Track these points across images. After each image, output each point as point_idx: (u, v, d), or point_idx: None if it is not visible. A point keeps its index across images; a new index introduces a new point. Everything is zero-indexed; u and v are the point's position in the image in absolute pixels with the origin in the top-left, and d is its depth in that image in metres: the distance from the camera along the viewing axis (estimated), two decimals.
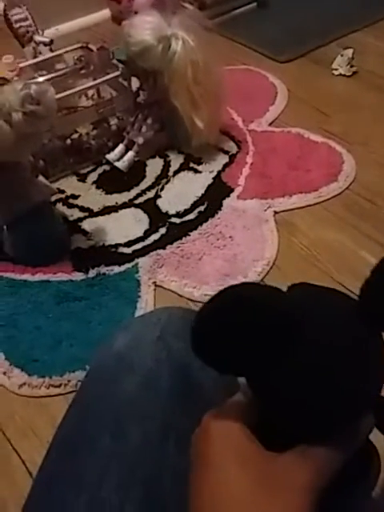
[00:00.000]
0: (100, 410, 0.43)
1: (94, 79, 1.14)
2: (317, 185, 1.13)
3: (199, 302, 0.92)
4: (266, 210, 1.08)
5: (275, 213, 1.08)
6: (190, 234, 1.03)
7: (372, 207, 1.10)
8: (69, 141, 1.13)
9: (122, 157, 1.17)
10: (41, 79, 1.04)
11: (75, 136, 1.14)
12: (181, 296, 0.93)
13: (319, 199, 1.11)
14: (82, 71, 1.14)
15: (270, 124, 1.32)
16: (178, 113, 1.10)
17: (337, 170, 1.16)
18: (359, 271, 0.97)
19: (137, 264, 0.97)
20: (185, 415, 0.42)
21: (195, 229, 1.04)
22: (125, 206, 1.09)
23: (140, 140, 1.16)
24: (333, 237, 1.05)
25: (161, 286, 0.94)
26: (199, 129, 1.11)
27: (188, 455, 0.42)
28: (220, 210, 1.08)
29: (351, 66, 1.49)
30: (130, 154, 1.17)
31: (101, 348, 0.49)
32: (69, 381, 0.78)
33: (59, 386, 0.79)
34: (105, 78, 1.10)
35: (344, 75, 1.49)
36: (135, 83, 1.15)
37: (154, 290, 0.93)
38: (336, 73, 1.50)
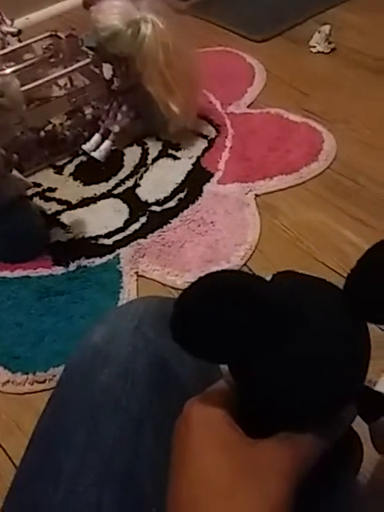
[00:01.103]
0: (76, 403, 0.42)
1: (65, 68, 1.11)
2: (297, 166, 1.11)
3: (182, 289, 0.91)
4: (247, 194, 1.07)
5: (256, 196, 1.07)
6: (171, 221, 1.02)
7: (353, 186, 1.09)
8: (42, 132, 1.11)
9: (98, 146, 1.15)
10: (8, 70, 1.02)
11: (49, 127, 1.12)
12: (164, 285, 0.92)
13: (300, 180, 1.10)
14: (52, 60, 1.11)
15: (249, 106, 1.30)
16: (153, 98, 1.08)
17: (317, 150, 1.15)
18: (342, 251, 0.97)
19: (118, 255, 0.95)
20: (162, 406, 0.42)
21: (176, 216, 1.03)
22: (103, 196, 1.08)
23: (116, 128, 1.14)
24: (315, 217, 1.05)
25: (143, 276, 0.93)
26: (175, 114, 1.09)
27: (165, 446, 0.41)
28: (200, 195, 1.07)
29: (329, 43, 1.46)
30: (107, 143, 1.14)
31: (79, 342, 0.48)
32: (53, 376, 0.78)
33: (43, 381, 0.78)
34: (75, 66, 1.07)
35: (322, 52, 1.47)
36: (109, 71, 1.13)
37: (137, 280, 0.92)
38: (314, 50, 1.47)
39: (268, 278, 0.29)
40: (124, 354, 0.43)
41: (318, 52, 1.47)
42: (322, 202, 1.07)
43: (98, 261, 0.94)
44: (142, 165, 1.14)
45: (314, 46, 1.48)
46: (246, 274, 0.28)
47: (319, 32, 1.46)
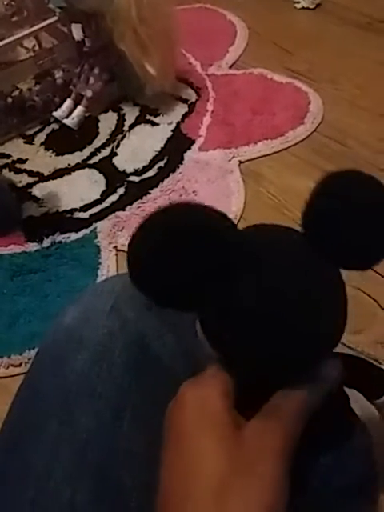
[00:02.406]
0: (48, 391, 0.39)
1: (31, 28, 1.02)
2: (283, 129, 1.06)
3: None
4: (230, 161, 1.01)
5: (240, 162, 1.01)
6: (151, 192, 0.96)
7: (341, 148, 1.04)
8: (9, 99, 1.03)
9: (70, 113, 1.07)
10: None
11: (16, 93, 1.04)
12: None
13: (286, 145, 1.04)
14: (15, 18, 1.02)
15: (231, 66, 1.23)
16: (127, 59, 1.00)
17: (303, 112, 1.09)
18: None
19: (95, 229, 0.90)
20: (141, 391, 0.39)
21: (156, 186, 0.97)
22: (78, 167, 1.01)
23: (89, 93, 1.06)
24: (302, 183, 1.00)
25: (122, 251, 0.88)
26: (152, 75, 1.01)
27: (145, 434, 0.38)
28: (181, 163, 1.01)
29: None
30: (80, 109, 1.07)
31: (51, 324, 0.44)
32: (29, 359, 0.74)
33: (19, 365, 0.74)
34: (41, 25, 0.99)
35: (307, 8, 1.39)
36: (78, 30, 1.04)
37: (116, 255, 0.87)
38: (298, 6, 1.39)
39: None
40: (99, 337, 0.40)
41: (303, 8, 1.39)
42: (309, 166, 1.02)
43: (73, 236, 0.89)
44: (119, 132, 1.07)
45: (298, 2, 1.39)
46: (212, 211, 0.26)
47: None
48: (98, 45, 1.02)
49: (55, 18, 1.00)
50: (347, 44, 1.27)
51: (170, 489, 0.26)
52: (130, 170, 1.00)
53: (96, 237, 0.88)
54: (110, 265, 0.85)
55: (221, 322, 0.25)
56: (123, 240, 0.89)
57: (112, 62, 1.05)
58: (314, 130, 1.07)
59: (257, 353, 0.25)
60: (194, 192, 0.96)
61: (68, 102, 1.08)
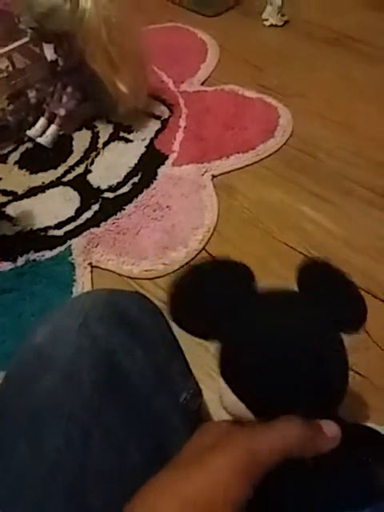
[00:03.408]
0: (16, 412, 0.39)
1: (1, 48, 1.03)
2: (254, 143, 1.08)
3: (139, 278, 0.87)
4: (203, 175, 1.03)
5: (213, 176, 1.03)
6: (125, 208, 0.97)
7: (311, 160, 1.07)
8: None
9: (44, 132, 1.08)
10: None
11: None
12: (120, 275, 0.88)
13: (257, 158, 1.07)
14: None
15: (203, 83, 1.25)
16: (100, 78, 1.02)
17: (273, 126, 1.11)
18: (303, 228, 0.95)
19: (70, 246, 0.90)
20: (110, 408, 0.39)
21: (130, 202, 0.98)
22: (52, 185, 1.01)
23: (62, 111, 1.07)
24: (274, 196, 1.02)
25: (98, 267, 0.89)
26: (124, 93, 1.03)
27: (114, 452, 0.38)
28: (155, 179, 1.02)
29: (282, 16, 1.42)
30: (53, 127, 1.08)
31: (21, 344, 0.44)
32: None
33: None
34: (12, 46, 1.00)
35: (275, 25, 1.43)
36: (50, 50, 1.06)
37: (91, 271, 0.87)
38: (267, 23, 1.43)
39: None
40: (68, 355, 0.40)
41: (272, 25, 1.43)
42: (281, 179, 1.04)
43: (48, 254, 0.89)
44: (93, 149, 1.08)
45: (267, 19, 1.44)
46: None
47: (271, 4, 1.42)
48: (71, 64, 1.04)
49: (27, 39, 1.01)
50: (315, 59, 1.31)
51: None
52: (104, 186, 1.01)
53: (71, 254, 0.89)
54: (85, 282, 0.85)
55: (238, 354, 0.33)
56: (98, 256, 0.89)
57: (85, 81, 1.06)
58: (284, 143, 1.10)
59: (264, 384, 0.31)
60: (167, 207, 0.97)
61: (41, 121, 1.09)
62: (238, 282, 0.35)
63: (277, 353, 0.30)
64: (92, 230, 0.93)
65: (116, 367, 0.41)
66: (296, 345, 0.31)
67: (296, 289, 0.35)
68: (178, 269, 0.89)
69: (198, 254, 0.91)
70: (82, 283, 0.85)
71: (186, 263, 0.90)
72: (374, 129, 1.11)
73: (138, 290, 0.85)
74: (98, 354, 0.40)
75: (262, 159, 1.07)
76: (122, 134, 1.11)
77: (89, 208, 0.97)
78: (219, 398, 0.34)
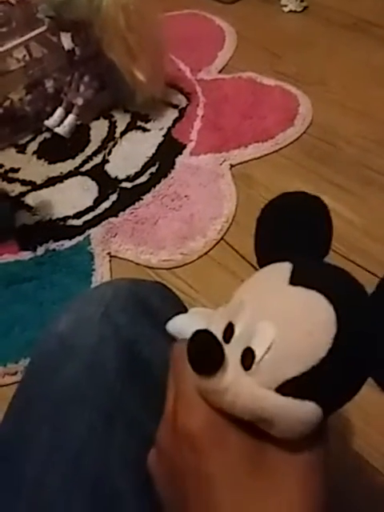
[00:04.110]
0: (40, 400, 0.39)
1: (20, 38, 1.03)
2: (273, 132, 1.07)
3: (157, 268, 0.87)
4: (221, 164, 1.02)
5: (231, 166, 1.02)
6: (143, 197, 0.97)
7: (331, 149, 1.05)
8: (0, 109, 1.03)
9: (62, 122, 1.08)
10: None
11: (7, 103, 1.04)
12: (138, 264, 0.88)
13: (276, 147, 1.05)
14: (4, 29, 1.03)
15: (220, 71, 1.24)
16: (117, 67, 1.01)
17: (292, 114, 1.10)
18: None
19: (88, 236, 0.91)
20: (133, 396, 0.39)
21: (148, 192, 0.98)
22: (70, 174, 1.02)
23: (79, 101, 1.07)
24: (293, 185, 1.00)
25: (116, 256, 0.89)
26: (141, 82, 1.02)
27: (137, 439, 0.38)
28: (173, 168, 1.01)
29: (301, 1, 1.40)
30: (71, 117, 1.08)
31: (43, 332, 0.44)
32: (25, 367, 0.74)
33: (15, 373, 0.74)
34: (30, 35, 1.00)
35: (295, 11, 1.40)
36: (68, 39, 1.05)
37: (109, 261, 0.88)
38: (286, 9, 1.41)
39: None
40: (90, 344, 0.40)
41: (290, 11, 1.40)
42: (300, 168, 1.03)
43: (67, 243, 0.89)
44: (110, 139, 1.08)
45: (286, 5, 1.41)
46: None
47: None
48: (88, 53, 1.03)
49: (44, 28, 1.01)
50: (334, 45, 1.28)
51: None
52: (122, 176, 1.01)
53: (89, 244, 0.89)
54: (104, 271, 0.86)
55: None
56: (116, 246, 0.90)
57: (102, 70, 1.06)
58: (304, 132, 1.08)
59: None
60: (185, 196, 0.97)
61: (59, 111, 1.09)
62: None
63: None
64: (110, 219, 0.93)
65: (138, 356, 0.41)
66: None
67: None
68: (196, 259, 0.89)
69: (216, 243, 0.91)
70: (101, 273, 0.85)
71: (205, 253, 0.90)
72: None
73: (157, 280, 0.85)
74: (121, 342, 0.40)
75: (281, 148, 1.05)
76: (139, 123, 1.11)
77: (107, 198, 0.97)
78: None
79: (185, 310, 0.48)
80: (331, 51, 1.27)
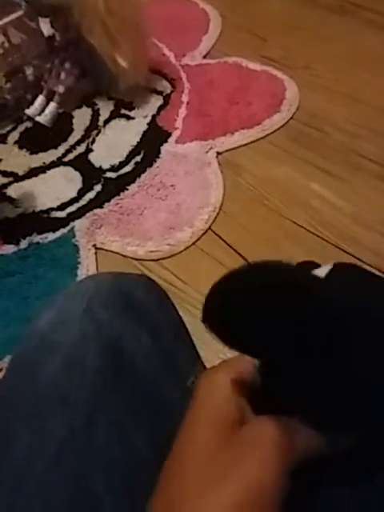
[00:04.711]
0: (19, 399, 0.38)
1: None
2: (259, 118, 1.05)
3: (144, 260, 0.86)
4: (207, 152, 1.00)
5: (218, 154, 1.00)
6: (129, 187, 0.95)
7: (319, 135, 1.04)
8: None
9: (43, 110, 1.05)
10: None
11: None
12: (124, 256, 0.87)
13: (263, 133, 1.03)
14: None
15: (205, 56, 1.21)
16: (99, 53, 0.98)
17: (279, 100, 1.08)
18: (311, 206, 0.93)
19: (73, 228, 0.89)
20: (116, 396, 0.38)
21: (133, 181, 0.96)
22: (53, 165, 0.99)
23: (60, 88, 1.04)
24: (280, 172, 0.99)
25: (102, 249, 0.87)
26: (124, 68, 0.99)
27: (120, 441, 0.37)
28: (158, 157, 0.99)
29: None
30: (52, 105, 1.05)
31: (26, 329, 0.43)
32: None
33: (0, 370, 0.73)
34: (7, 20, 0.96)
35: None
36: (46, 24, 1.02)
37: (95, 253, 0.86)
38: None
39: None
40: (72, 341, 0.39)
41: None
42: (287, 155, 1.01)
43: (51, 236, 0.87)
44: (94, 128, 1.05)
45: None
46: (296, 269, 0.25)
47: None
48: (68, 39, 1.00)
49: (21, 13, 0.97)
50: (320, 28, 1.26)
51: (164, 470, 0.27)
52: (106, 166, 0.98)
53: (74, 236, 0.87)
54: (90, 264, 0.84)
55: (299, 373, 0.24)
56: (102, 238, 0.88)
57: (83, 56, 1.03)
58: (291, 118, 1.06)
59: (320, 407, 0.24)
60: (171, 186, 0.95)
61: (40, 99, 1.06)
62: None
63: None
64: (95, 211, 0.91)
65: (121, 353, 0.40)
66: None
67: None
68: (183, 249, 0.88)
69: (203, 233, 0.90)
70: (87, 265, 0.84)
71: (192, 243, 0.88)
72: (382, 99, 1.07)
73: (143, 272, 0.84)
74: (103, 339, 0.40)
75: (267, 135, 1.04)
76: (123, 111, 1.08)
77: (91, 188, 0.95)
78: None
79: (171, 304, 0.47)
80: (318, 35, 1.25)
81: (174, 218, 0.91)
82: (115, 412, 0.37)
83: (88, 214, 0.91)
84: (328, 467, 0.26)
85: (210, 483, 0.24)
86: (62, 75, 1.04)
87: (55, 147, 1.02)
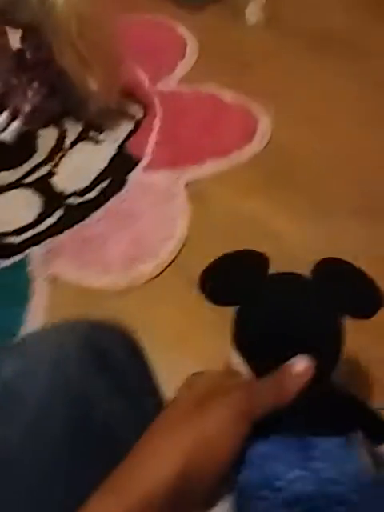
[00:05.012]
0: None
1: None
2: (230, 149, 1.03)
3: (103, 292, 0.82)
4: (175, 182, 0.98)
5: (186, 184, 0.98)
6: (92, 215, 0.91)
7: (288, 169, 1.02)
8: None
9: (6, 127, 1.01)
10: None
11: None
12: (82, 288, 0.82)
13: (233, 165, 1.02)
14: None
15: (179, 82, 1.20)
16: (69, 74, 0.95)
17: (251, 131, 1.07)
18: (276, 241, 0.91)
19: (27, 255, 0.84)
20: (81, 458, 0.36)
21: (97, 209, 0.92)
22: (12, 186, 0.95)
23: (27, 107, 1.00)
24: (248, 205, 0.97)
25: (58, 278, 0.83)
26: (94, 91, 0.96)
27: (78, 500, 0.35)
28: (125, 184, 0.96)
29: (265, 13, 1.37)
30: (16, 123, 1.01)
31: None
32: None
33: None
34: None
35: (258, 23, 1.37)
36: (16, 40, 0.98)
37: (51, 283, 0.82)
38: (249, 21, 1.38)
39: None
40: (40, 394, 0.37)
41: (254, 23, 1.38)
42: (256, 187, 1.00)
43: (2, 263, 0.83)
44: (59, 149, 1.01)
45: (250, 16, 1.38)
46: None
47: (254, 0, 1.37)
48: (38, 57, 0.97)
49: None
50: (297, 60, 1.26)
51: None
52: (69, 190, 0.95)
53: (28, 264, 0.83)
54: (43, 296, 0.79)
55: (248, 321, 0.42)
56: (59, 268, 0.83)
57: (53, 76, 0.99)
58: (262, 150, 1.05)
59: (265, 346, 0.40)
60: (137, 215, 0.92)
61: (4, 116, 1.01)
62: (256, 267, 0.46)
63: (278, 323, 0.40)
64: (54, 238, 0.87)
65: (89, 415, 0.38)
66: (295, 321, 0.40)
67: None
68: (144, 282, 0.84)
69: (167, 266, 0.87)
70: (40, 298, 0.79)
71: (156, 276, 0.85)
72: (354, 137, 1.07)
73: (100, 305, 0.80)
74: (72, 395, 0.37)
75: (237, 166, 1.02)
76: (91, 134, 1.05)
77: (51, 214, 0.90)
78: None
79: (143, 358, 0.45)
80: (293, 66, 1.25)
81: (137, 248, 0.87)
82: (80, 477, 0.35)
83: (46, 241, 0.86)
84: (278, 421, 0.32)
85: (170, 432, 0.30)
86: (29, 93, 1.00)
87: (16, 167, 0.98)
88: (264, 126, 1.08)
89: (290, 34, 1.34)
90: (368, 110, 1.12)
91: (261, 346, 0.40)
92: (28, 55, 0.98)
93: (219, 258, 0.48)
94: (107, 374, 0.40)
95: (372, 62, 1.24)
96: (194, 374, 0.37)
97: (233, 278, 0.46)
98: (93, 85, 0.96)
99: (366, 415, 0.39)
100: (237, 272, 0.46)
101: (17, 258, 0.84)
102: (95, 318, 0.45)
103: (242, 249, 0.48)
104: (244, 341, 0.41)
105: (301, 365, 0.33)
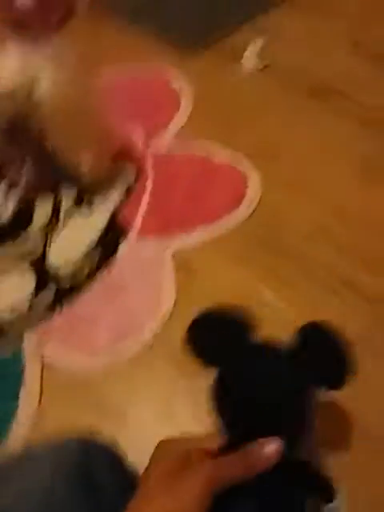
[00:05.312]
0: None
1: None
2: (218, 215, 1.04)
3: (92, 372, 0.85)
4: (163, 252, 1.00)
5: (174, 253, 1.00)
6: (82, 292, 0.95)
7: (276, 236, 1.02)
8: None
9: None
10: None
11: None
12: (72, 371, 0.87)
13: (221, 232, 1.03)
14: None
15: (174, 138, 1.20)
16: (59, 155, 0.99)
17: (240, 196, 1.08)
18: (263, 312, 0.91)
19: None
20: None
21: (88, 285, 0.96)
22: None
23: (22, 180, 1.04)
24: (236, 275, 0.99)
25: (49, 362, 0.87)
26: (85, 170, 1.00)
27: None
28: (115, 255, 1.00)
29: (262, 60, 1.36)
30: (13, 196, 1.05)
31: None
32: None
33: None
34: None
35: (255, 70, 1.36)
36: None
37: (41, 372, 0.85)
38: (245, 67, 1.37)
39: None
40: None
41: (250, 69, 1.37)
42: (243, 255, 1.00)
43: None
44: (52, 225, 1.05)
45: (246, 62, 1.37)
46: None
47: (252, 45, 1.37)
48: (28, 139, 1.01)
49: None
50: (294, 113, 1.23)
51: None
52: (61, 268, 0.98)
53: (22, 353, 0.86)
54: (35, 381, 0.83)
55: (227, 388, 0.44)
56: (50, 353, 0.87)
57: (44, 156, 1.03)
58: (250, 215, 1.05)
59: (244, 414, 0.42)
60: (124, 286, 0.95)
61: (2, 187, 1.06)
62: (240, 329, 0.48)
63: (254, 392, 0.42)
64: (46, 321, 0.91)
65: None
66: (270, 393, 0.42)
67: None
68: (132, 358, 0.88)
69: (154, 339, 0.90)
70: (32, 381, 0.83)
71: (143, 351, 0.88)
72: (346, 202, 1.06)
73: (90, 391, 0.83)
74: None
75: (226, 234, 1.03)
76: (83, 206, 1.08)
77: (44, 295, 0.95)
78: None
79: (128, 475, 0.48)
80: (289, 120, 1.23)
81: (123, 325, 0.91)
82: None
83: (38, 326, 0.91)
84: (242, 489, 0.37)
85: (152, 498, 0.34)
86: (23, 169, 1.05)
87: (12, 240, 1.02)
88: (253, 189, 1.09)
89: (288, 82, 1.31)
90: (370, 169, 1.10)
91: (233, 411, 0.42)
92: (19, 138, 1.02)
93: (207, 313, 0.50)
94: (93, 494, 0.43)
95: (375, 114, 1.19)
96: (163, 441, 0.40)
97: (217, 339, 0.47)
98: (83, 167, 0.99)
99: (316, 482, 0.43)
100: (221, 332, 0.48)
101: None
102: (84, 437, 0.48)
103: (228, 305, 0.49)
104: (219, 404, 0.43)
105: (271, 448, 0.36)
